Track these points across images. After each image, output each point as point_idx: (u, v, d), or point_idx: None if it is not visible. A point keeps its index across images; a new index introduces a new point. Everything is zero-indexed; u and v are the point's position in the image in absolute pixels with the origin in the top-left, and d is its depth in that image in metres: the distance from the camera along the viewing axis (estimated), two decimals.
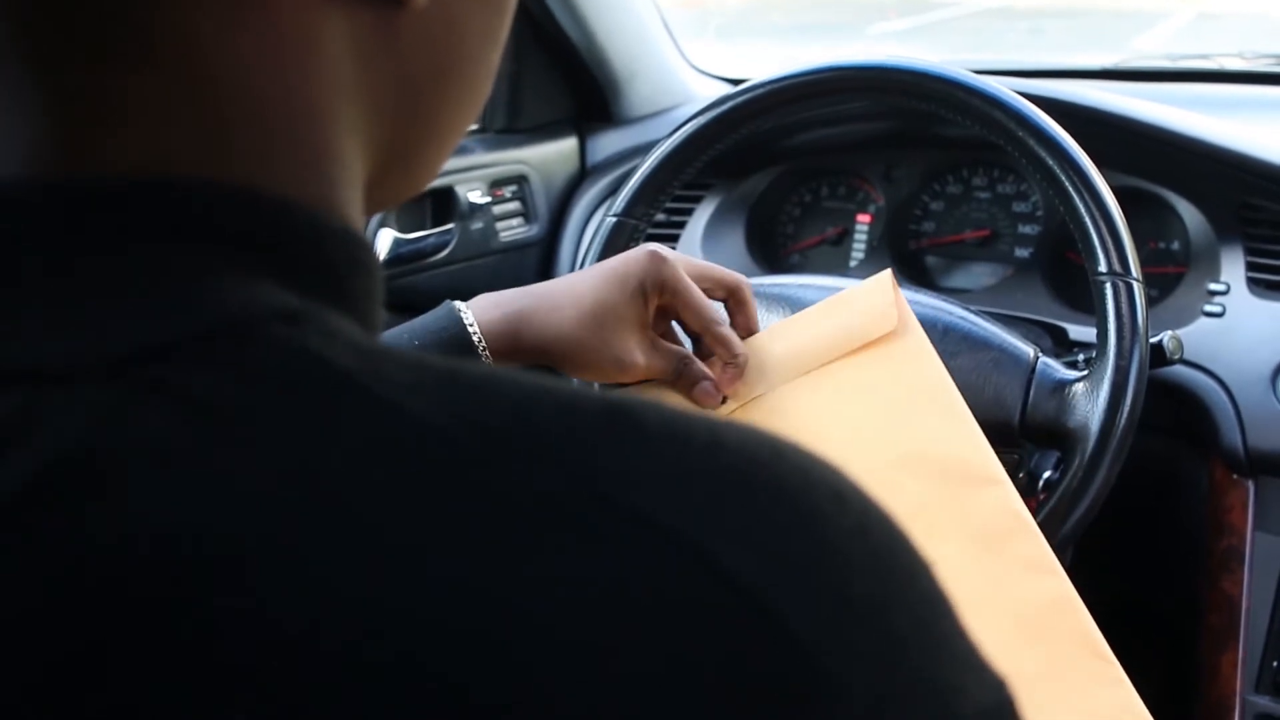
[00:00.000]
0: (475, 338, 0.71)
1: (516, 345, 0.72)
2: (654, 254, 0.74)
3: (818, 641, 0.22)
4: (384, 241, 1.24)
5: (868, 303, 0.79)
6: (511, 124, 1.48)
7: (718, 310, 0.75)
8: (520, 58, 1.46)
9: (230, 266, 0.26)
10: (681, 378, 0.74)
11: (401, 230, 1.26)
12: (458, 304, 0.73)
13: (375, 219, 1.24)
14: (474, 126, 1.47)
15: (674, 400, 0.75)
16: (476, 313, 0.73)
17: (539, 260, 1.45)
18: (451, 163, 1.33)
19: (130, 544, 0.22)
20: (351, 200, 0.31)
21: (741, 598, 0.22)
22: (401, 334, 0.72)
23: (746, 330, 0.77)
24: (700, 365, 0.75)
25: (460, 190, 1.33)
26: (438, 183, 1.30)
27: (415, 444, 0.23)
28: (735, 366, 0.75)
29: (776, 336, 0.78)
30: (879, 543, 0.24)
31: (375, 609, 0.21)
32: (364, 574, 0.21)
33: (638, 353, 0.72)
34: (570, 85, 1.53)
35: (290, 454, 0.23)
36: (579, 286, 0.73)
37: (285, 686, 0.21)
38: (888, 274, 0.79)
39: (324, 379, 0.24)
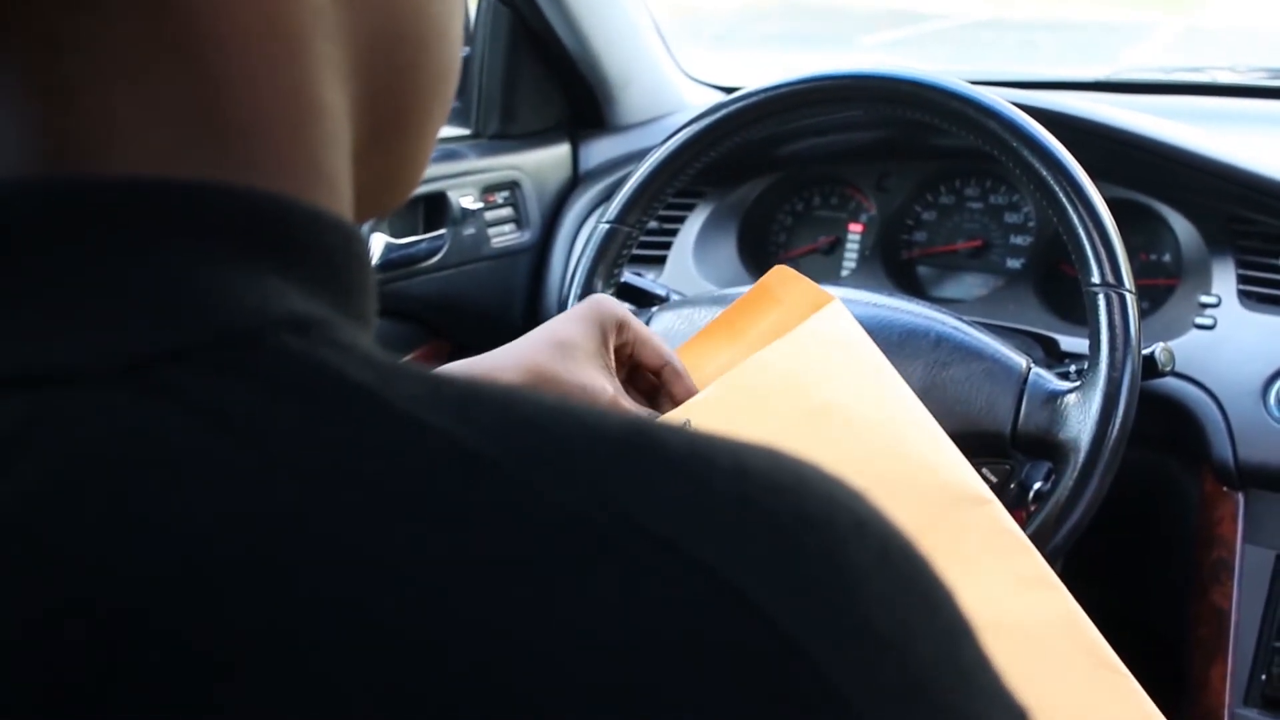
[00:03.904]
0: None
1: None
2: (602, 297, 0.75)
3: (843, 678, 0.22)
4: (376, 246, 1.23)
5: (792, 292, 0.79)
6: (504, 130, 1.47)
7: (669, 349, 0.77)
8: (514, 64, 1.46)
9: (233, 266, 0.25)
10: None
11: (393, 235, 1.26)
12: None
13: (367, 224, 1.24)
14: (467, 132, 1.47)
15: None
16: None
17: (531, 266, 1.45)
18: (444, 168, 1.33)
19: (146, 552, 0.21)
20: (341, 176, 0.30)
21: (765, 630, 0.21)
22: None
23: (687, 394, 0.77)
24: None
25: (452, 196, 1.32)
26: (430, 188, 1.30)
27: (438, 458, 0.23)
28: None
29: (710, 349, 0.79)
30: (900, 572, 0.24)
31: (396, 630, 0.20)
32: (386, 592, 0.21)
33: (606, 383, 0.72)
34: (564, 91, 1.53)
35: (311, 464, 0.22)
36: (530, 339, 0.73)
37: (299, 702, 0.20)
38: (837, 301, 0.80)
39: (340, 391, 0.24)
